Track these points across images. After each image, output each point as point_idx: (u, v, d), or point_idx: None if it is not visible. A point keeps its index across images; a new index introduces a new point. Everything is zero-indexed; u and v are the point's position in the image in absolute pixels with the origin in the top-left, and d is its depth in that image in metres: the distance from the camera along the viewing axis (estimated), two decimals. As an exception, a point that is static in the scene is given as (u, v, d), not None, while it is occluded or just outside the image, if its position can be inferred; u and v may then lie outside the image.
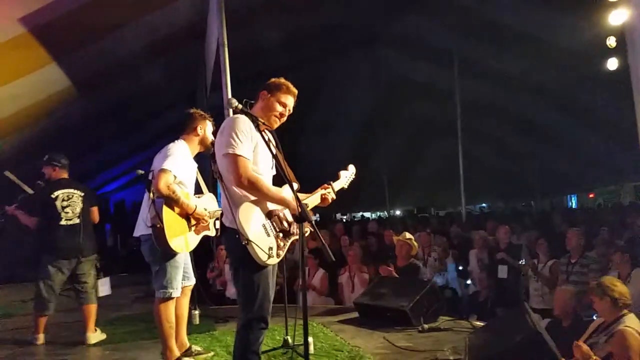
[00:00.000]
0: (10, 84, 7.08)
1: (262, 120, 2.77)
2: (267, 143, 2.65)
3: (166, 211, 3.35)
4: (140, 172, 4.95)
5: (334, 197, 3.05)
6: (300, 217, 2.46)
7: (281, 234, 2.70)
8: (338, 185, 3.15)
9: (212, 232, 3.70)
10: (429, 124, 14.08)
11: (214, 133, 3.88)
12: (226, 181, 2.67)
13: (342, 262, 6.67)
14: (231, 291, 6.85)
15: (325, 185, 3.04)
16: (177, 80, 10.10)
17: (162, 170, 3.36)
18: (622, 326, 3.36)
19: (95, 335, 4.57)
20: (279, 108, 2.87)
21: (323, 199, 2.98)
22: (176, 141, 3.65)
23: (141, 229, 3.55)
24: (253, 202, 2.64)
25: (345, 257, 6.70)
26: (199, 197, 3.68)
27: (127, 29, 7.52)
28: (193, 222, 3.53)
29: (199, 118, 3.77)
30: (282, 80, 2.93)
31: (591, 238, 6.67)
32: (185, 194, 3.52)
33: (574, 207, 19.44)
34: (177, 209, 3.42)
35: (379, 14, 10.74)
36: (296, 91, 2.95)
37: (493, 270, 6.42)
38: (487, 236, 7.29)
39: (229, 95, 6.26)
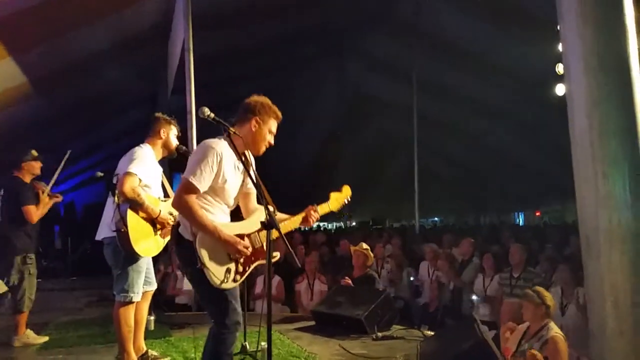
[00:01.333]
0: (-39, 78, 6.84)
1: (242, 150, 2.78)
2: (247, 168, 2.71)
3: (131, 215, 3.35)
4: (100, 174, 4.91)
5: (318, 219, 3.02)
6: (268, 224, 2.53)
7: (243, 259, 2.71)
8: (325, 208, 3.11)
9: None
10: (387, 138, 14.48)
11: (178, 137, 3.92)
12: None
13: (297, 270, 6.77)
14: (182, 297, 6.82)
15: (311, 207, 3.00)
16: (138, 81, 9.96)
17: (127, 174, 3.36)
18: (553, 332, 3.75)
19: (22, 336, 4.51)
20: (269, 137, 2.85)
21: (304, 220, 2.96)
22: (141, 145, 3.66)
23: (104, 232, 3.54)
24: (220, 223, 2.68)
25: (300, 267, 6.80)
26: (164, 201, 3.68)
27: (89, 28, 7.39)
28: (158, 226, 3.54)
29: (163, 122, 3.78)
30: (270, 104, 2.87)
31: (536, 254, 7.02)
32: (153, 199, 3.53)
33: (521, 223, 20.26)
34: (142, 213, 3.43)
35: (345, 29, 11.03)
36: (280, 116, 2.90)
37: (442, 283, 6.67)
38: (438, 249, 7.54)
39: (193, 100, 6.26)
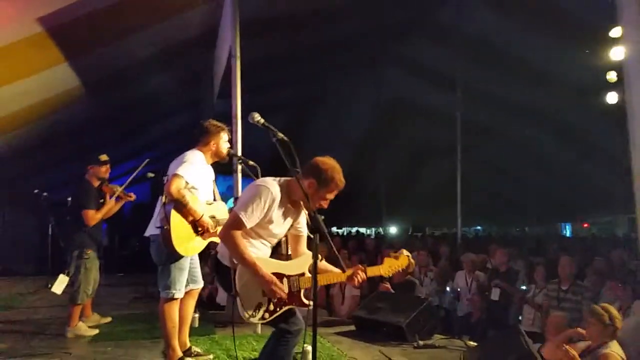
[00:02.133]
0: (22, 81, 7.21)
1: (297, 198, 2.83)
2: (294, 221, 2.86)
3: (174, 215, 3.46)
4: (151, 174, 5.13)
5: (364, 280, 2.92)
6: (314, 228, 2.56)
7: (276, 300, 2.74)
8: (375, 271, 2.97)
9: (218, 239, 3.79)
10: (428, 144, 14.28)
11: (229, 140, 4.00)
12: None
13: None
14: (222, 296, 6.89)
15: (359, 267, 2.92)
16: (183, 85, 10.25)
17: (175, 175, 3.48)
18: (608, 350, 3.54)
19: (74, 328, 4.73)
20: (323, 203, 2.85)
21: (349, 278, 2.89)
22: (193, 149, 3.76)
23: (151, 229, 3.67)
24: (259, 258, 2.75)
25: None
26: (210, 204, 3.77)
27: (140, 34, 7.68)
28: (199, 228, 3.62)
29: (213, 132, 3.82)
30: (336, 175, 2.82)
31: (584, 267, 6.79)
32: (195, 200, 3.59)
33: (567, 235, 19.60)
34: (185, 214, 3.52)
35: (385, 34, 10.99)
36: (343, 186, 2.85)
37: (486, 293, 6.54)
38: (476, 259, 7.40)
39: (239, 105, 6.37)
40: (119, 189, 5.04)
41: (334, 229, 19.01)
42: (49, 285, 7.47)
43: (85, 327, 4.80)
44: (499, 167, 15.00)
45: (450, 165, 11.51)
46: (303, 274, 2.84)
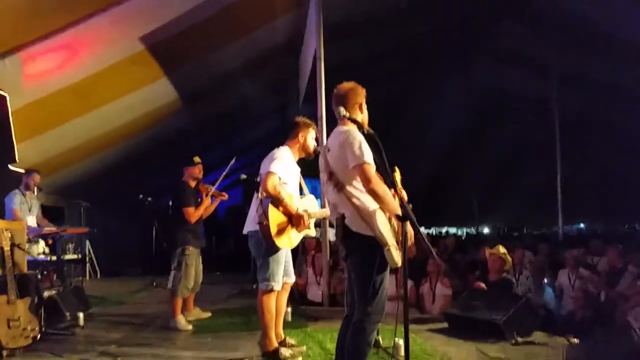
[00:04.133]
0: (127, 96, 7.85)
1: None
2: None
3: (272, 210, 3.61)
4: (244, 176, 5.41)
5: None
6: (403, 216, 2.56)
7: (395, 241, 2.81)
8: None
9: (312, 232, 3.92)
10: (523, 137, 13.56)
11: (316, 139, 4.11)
12: (353, 192, 2.80)
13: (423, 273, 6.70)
14: (312, 293, 7.01)
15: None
16: (270, 92, 10.61)
17: (269, 173, 3.64)
18: None
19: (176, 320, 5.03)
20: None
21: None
22: (281, 147, 3.92)
23: (249, 226, 3.87)
24: (381, 209, 2.77)
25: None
26: (301, 198, 3.91)
27: (231, 46, 8.08)
28: (294, 222, 3.75)
29: (302, 126, 4.00)
30: None
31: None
32: (289, 196, 3.75)
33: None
34: (281, 209, 3.67)
35: (472, 23, 10.58)
36: None
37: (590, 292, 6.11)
38: (580, 255, 6.94)
39: (324, 107, 6.49)
40: (212, 188, 5.37)
41: (422, 229, 18.59)
42: (154, 284, 8.13)
43: (184, 321, 5.09)
44: (603, 161, 13.88)
45: (549, 160, 10.88)
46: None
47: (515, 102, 12.52)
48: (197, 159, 5.38)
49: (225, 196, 5.54)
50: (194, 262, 5.23)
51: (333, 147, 2.91)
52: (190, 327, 5.05)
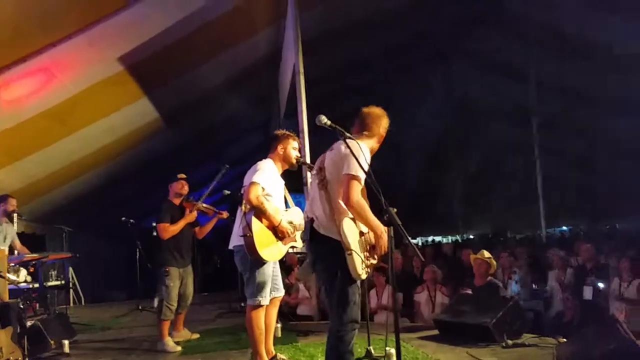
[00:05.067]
0: (108, 117, 7.78)
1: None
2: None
3: (255, 222, 3.58)
4: (227, 192, 5.36)
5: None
6: (388, 222, 2.58)
7: (367, 254, 2.86)
8: None
9: (298, 244, 3.90)
10: (503, 143, 13.72)
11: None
12: (333, 193, 2.87)
13: (414, 282, 6.72)
14: (303, 308, 6.97)
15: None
16: (252, 108, 10.62)
17: (252, 183, 3.62)
18: None
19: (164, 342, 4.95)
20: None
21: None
22: (264, 159, 3.91)
23: (235, 240, 3.82)
24: (352, 219, 2.82)
25: (417, 278, 6.80)
26: (286, 211, 3.89)
27: (209, 64, 8.08)
28: (279, 234, 3.73)
29: (281, 137, 4.00)
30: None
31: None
32: (275, 209, 3.73)
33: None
34: (264, 221, 3.65)
35: (449, 29, 10.73)
36: None
37: (578, 291, 6.17)
38: (566, 256, 7.04)
39: (305, 120, 6.51)
40: (198, 204, 5.26)
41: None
42: (140, 308, 7.99)
43: (172, 343, 4.98)
44: (582, 162, 14.11)
45: (529, 164, 11.03)
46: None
47: (494, 106, 12.68)
48: (180, 175, 5.32)
49: (225, 214, 5.42)
50: (176, 283, 5.12)
51: (337, 148, 2.97)
52: (179, 348, 4.95)
